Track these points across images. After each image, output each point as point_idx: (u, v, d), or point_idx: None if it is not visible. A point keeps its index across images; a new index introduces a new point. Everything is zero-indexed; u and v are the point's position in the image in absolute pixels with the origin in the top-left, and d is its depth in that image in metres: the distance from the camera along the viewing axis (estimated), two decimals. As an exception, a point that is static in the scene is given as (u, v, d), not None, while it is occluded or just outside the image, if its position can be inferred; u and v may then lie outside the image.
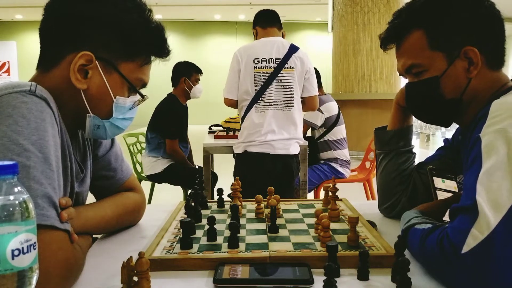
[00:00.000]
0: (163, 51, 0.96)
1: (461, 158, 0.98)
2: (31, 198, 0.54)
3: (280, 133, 2.47)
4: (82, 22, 0.87)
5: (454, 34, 0.92)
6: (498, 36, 0.93)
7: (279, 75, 2.47)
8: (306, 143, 3.05)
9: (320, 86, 3.69)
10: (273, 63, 2.48)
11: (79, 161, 0.98)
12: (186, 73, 3.56)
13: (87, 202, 1.03)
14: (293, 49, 2.52)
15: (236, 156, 2.56)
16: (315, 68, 3.57)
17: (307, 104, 2.63)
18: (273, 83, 2.46)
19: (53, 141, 0.78)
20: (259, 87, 2.46)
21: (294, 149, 2.53)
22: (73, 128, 0.94)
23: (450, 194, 1.03)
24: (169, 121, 3.46)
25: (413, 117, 1.16)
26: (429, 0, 0.95)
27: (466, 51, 0.90)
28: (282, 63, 2.47)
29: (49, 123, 0.78)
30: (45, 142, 0.75)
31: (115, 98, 0.91)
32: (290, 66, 2.48)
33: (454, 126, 1.07)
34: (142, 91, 0.97)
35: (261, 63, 2.48)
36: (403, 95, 1.11)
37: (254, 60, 2.48)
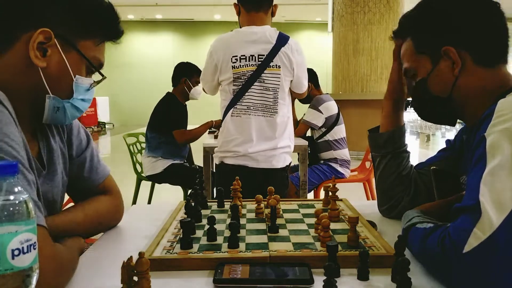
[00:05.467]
0: (116, 31, 0.97)
1: (465, 158, 0.98)
2: None
3: (258, 144, 2.10)
4: (35, 0, 0.87)
5: (434, 37, 0.96)
6: (488, 33, 0.93)
7: (262, 75, 2.08)
8: (307, 143, 3.06)
9: (317, 86, 3.70)
10: (255, 61, 2.08)
11: (44, 158, 0.96)
12: (187, 74, 3.58)
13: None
14: (281, 41, 2.09)
15: (215, 166, 2.28)
16: (310, 69, 3.58)
17: (293, 95, 2.28)
18: (255, 84, 2.08)
19: (13, 140, 0.76)
20: (238, 88, 2.10)
21: (279, 162, 2.16)
22: (37, 120, 0.92)
23: (452, 195, 1.02)
24: (170, 115, 3.48)
25: (405, 116, 1.18)
26: (415, 9, 1.03)
27: (445, 51, 0.93)
28: (266, 61, 2.07)
29: (6, 123, 0.76)
30: (4, 143, 0.73)
31: (74, 77, 0.90)
32: (276, 65, 2.09)
33: (455, 128, 1.07)
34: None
35: (240, 61, 2.08)
36: (393, 84, 1.16)
37: (232, 59, 2.09)
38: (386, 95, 1.19)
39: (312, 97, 3.55)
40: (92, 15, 0.92)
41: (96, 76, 0.98)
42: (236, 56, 2.08)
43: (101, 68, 0.97)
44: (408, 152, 1.20)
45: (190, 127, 3.72)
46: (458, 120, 1.04)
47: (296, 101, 3.54)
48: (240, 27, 2.20)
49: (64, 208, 1.04)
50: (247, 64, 2.08)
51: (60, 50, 0.88)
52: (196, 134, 3.58)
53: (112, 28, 0.96)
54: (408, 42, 1.02)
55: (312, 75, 3.54)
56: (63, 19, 0.88)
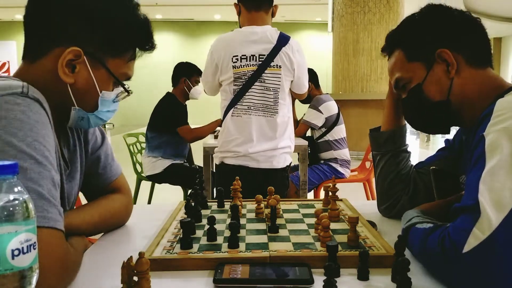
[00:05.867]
0: (150, 46, 0.97)
1: (464, 158, 0.98)
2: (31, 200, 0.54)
3: (259, 144, 2.09)
4: (69, 17, 0.87)
5: (426, 43, 0.98)
6: (474, 35, 0.97)
7: (262, 75, 2.08)
8: (307, 143, 3.06)
9: (318, 86, 3.70)
10: (256, 61, 2.08)
11: (66, 157, 0.98)
12: (186, 74, 3.59)
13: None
14: (282, 41, 2.09)
15: (215, 166, 2.27)
16: (311, 69, 3.59)
17: (294, 95, 2.33)
18: (256, 83, 2.08)
19: (47, 141, 0.78)
20: (238, 88, 2.09)
21: (280, 162, 2.15)
22: (59, 121, 0.93)
23: (452, 195, 1.02)
24: (170, 115, 3.47)
25: None
26: (402, 22, 1.06)
27: (439, 54, 0.95)
28: (267, 61, 2.07)
29: (43, 123, 0.78)
30: (39, 143, 0.75)
31: (100, 92, 0.91)
32: (277, 65, 2.09)
33: (455, 129, 1.08)
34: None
35: (241, 61, 2.08)
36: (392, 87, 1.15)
37: (232, 58, 2.08)
38: (388, 93, 1.20)
39: (312, 97, 3.55)
40: (124, 35, 0.91)
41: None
42: (237, 56, 2.08)
43: (129, 79, 0.97)
44: (408, 152, 1.20)
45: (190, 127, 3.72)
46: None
47: (296, 101, 3.54)
48: (240, 27, 2.20)
49: (80, 206, 1.04)
50: (247, 64, 2.08)
51: (89, 67, 0.88)
52: (204, 131, 3.56)
53: (144, 45, 0.96)
54: (397, 54, 1.04)
55: (312, 75, 3.54)
56: (94, 38, 0.88)
